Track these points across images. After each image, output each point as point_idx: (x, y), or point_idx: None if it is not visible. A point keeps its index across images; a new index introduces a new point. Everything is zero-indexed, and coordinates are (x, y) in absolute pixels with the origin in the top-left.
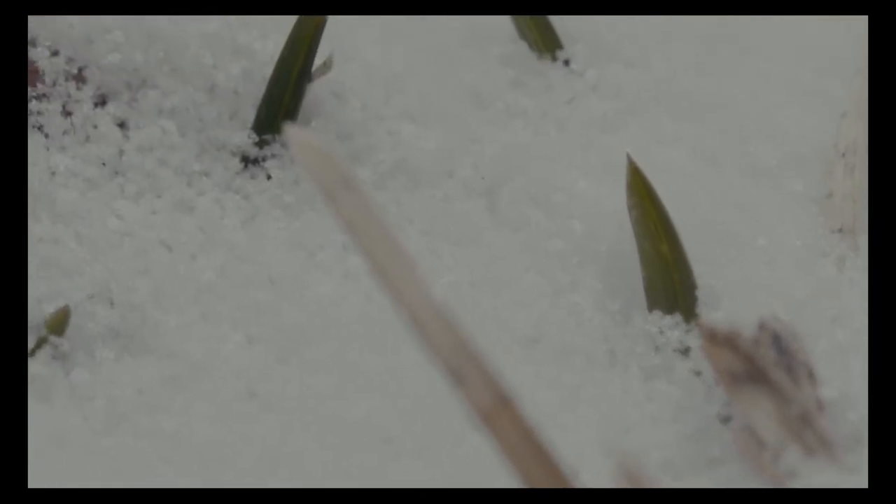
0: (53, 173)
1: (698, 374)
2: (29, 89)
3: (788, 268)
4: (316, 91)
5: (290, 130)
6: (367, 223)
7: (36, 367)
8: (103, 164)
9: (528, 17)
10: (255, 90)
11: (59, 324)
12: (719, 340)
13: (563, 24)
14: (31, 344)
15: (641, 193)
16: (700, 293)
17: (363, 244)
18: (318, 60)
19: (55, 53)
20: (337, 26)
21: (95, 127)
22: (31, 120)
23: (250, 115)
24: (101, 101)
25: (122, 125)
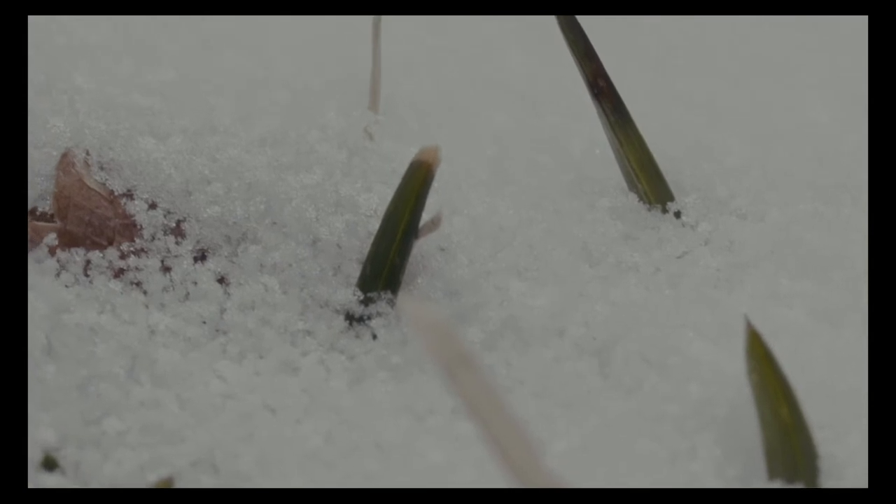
0: (153, 332)
1: None
2: (126, 244)
3: None
4: (422, 246)
5: (406, 304)
6: (485, 398)
7: None
8: (204, 322)
9: (638, 167)
10: (359, 244)
11: None
12: None
13: (674, 175)
14: None
15: (760, 357)
16: (822, 462)
17: (479, 417)
18: (424, 213)
19: (153, 206)
20: (443, 178)
21: (195, 283)
22: (130, 276)
23: (354, 270)
24: (201, 256)
25: (222, 281)
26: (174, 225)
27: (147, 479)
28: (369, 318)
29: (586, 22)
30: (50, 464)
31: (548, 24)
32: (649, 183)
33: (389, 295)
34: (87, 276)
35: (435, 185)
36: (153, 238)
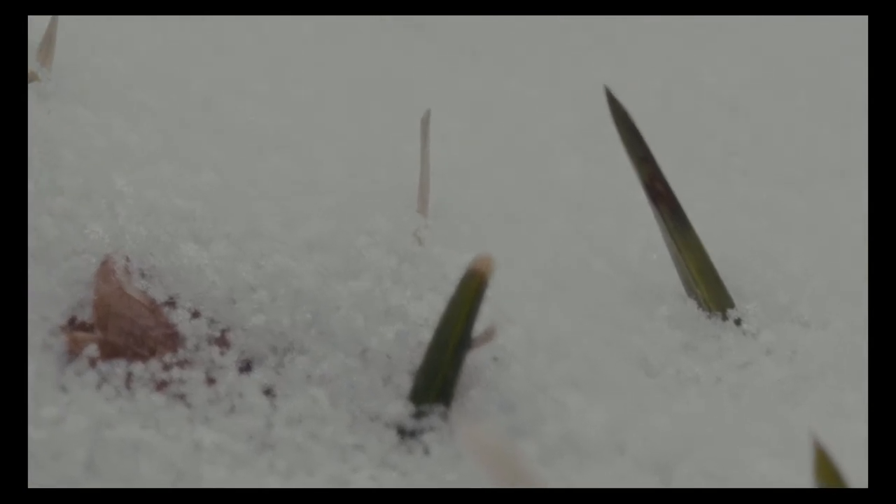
0: (198, 448)
1: None
2: (169, 355)
3: None
4: (475, 356)
5: (460, 424)
6: None
7: None
8: (251, 437)
9: (697, 274)
10: (410, 355)
11: None
12: None
13: (734, 281)
14: None
15: (828, 477)
16: None
17: None
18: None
19: (196, 315)
20: (496, 285)
21: (241, 396)
22: (173, 388)
23: (404, 381)
24: (246, 367)
25: (268, 393)
26: (218, 335)
27: None
28: (421, 432)
29: (639, 122)
30: None
31: (602, 125)
32: (709, 289)
33: (442, 408)
34: (128, 388)
35: (488, 292)
36: (197, 348)
